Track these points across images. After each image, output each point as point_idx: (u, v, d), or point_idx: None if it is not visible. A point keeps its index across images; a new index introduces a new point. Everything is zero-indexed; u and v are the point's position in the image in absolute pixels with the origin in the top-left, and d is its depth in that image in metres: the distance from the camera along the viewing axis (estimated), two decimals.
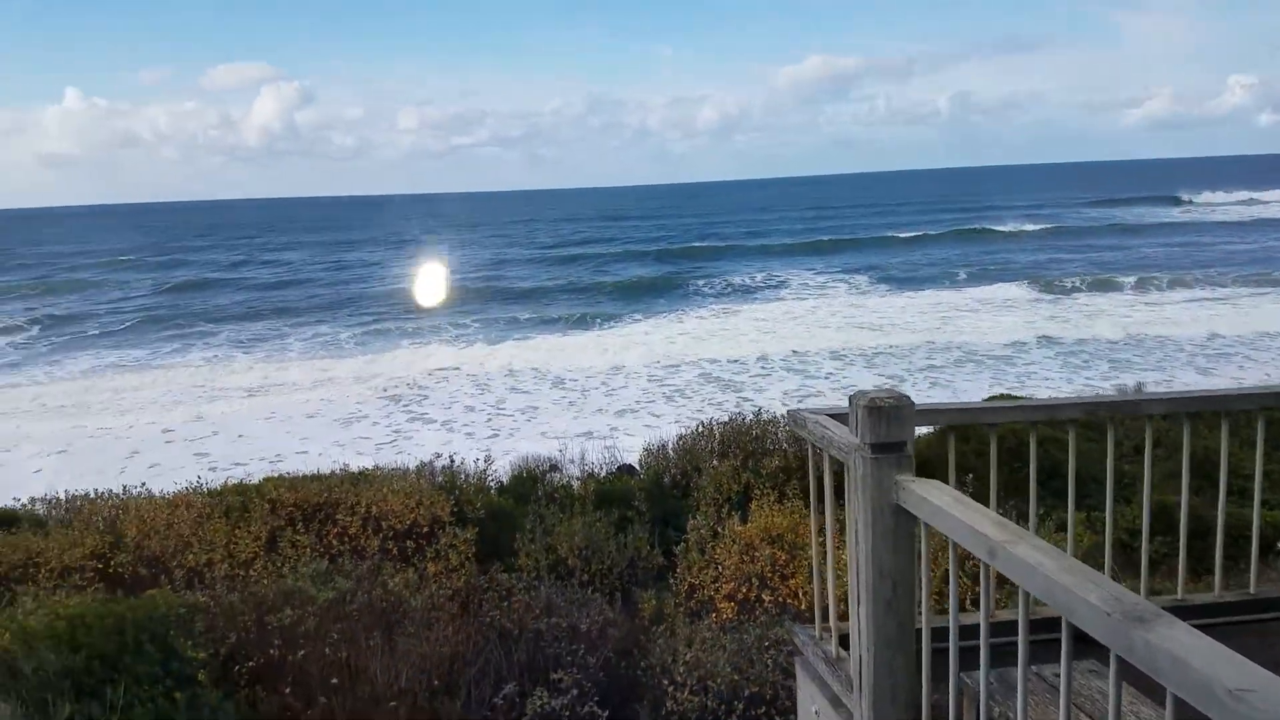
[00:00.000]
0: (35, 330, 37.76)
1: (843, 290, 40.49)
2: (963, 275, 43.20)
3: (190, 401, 24.14)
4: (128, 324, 38.94)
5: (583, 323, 35.74)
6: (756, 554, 6.89)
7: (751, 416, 9.65)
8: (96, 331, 37.30)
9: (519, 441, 18.95)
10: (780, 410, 10.19)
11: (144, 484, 9.40)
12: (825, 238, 65.24)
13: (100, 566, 7.49)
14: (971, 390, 21.02)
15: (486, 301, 42.21)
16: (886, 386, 3.13)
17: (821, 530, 3.42)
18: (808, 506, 7.55)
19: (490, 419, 21.46)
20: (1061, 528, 7.14)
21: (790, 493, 8.06)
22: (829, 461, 3.17)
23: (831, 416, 3.20)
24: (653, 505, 8.57)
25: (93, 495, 9.20)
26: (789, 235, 70.73)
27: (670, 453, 9.75)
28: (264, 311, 41.93)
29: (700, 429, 9.75)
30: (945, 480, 2.84)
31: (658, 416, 20.65)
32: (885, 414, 2.71)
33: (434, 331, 34.57)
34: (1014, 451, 5.51)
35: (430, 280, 51.27)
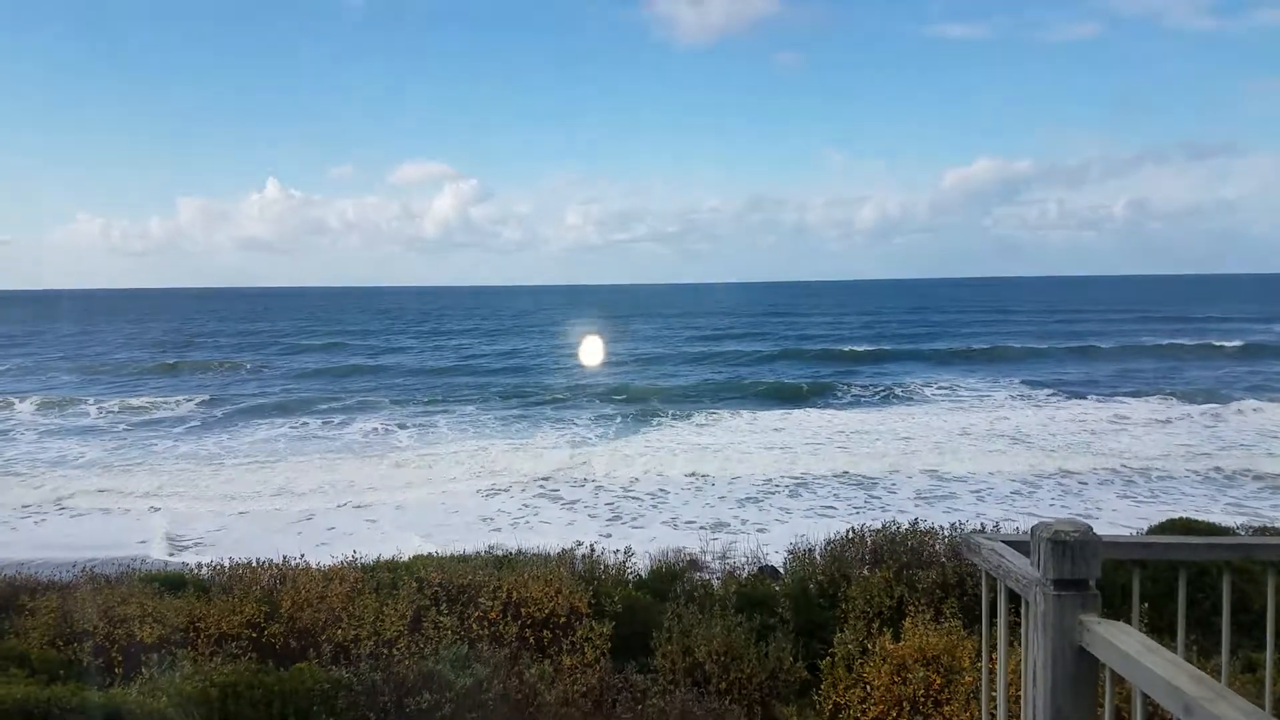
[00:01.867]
0: (205, 402, 40.87)
1: (1009, 399, 38.55)
2: (1134, 387, 40.52)
3: (347, 474, 25.28)
4: (294, 396, 41.98)
5: (729, 409, 35.76)
6: (909, 675, 6.44)
7: (907, 526, 9.18)
8: (268, 403, 40.12)
9: (646, 526, 19.39)
10: (903, 519, 9.71)
11: (302, 555, 9.78)
12: (985, 345, 62.68)
13: (255, 635, 7.77)
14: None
15: (631, 389, 42.80)
16: (1068, 517, 2.87)
17: (993, 666, 3.15)
18: (967, 627, 7.08)
19: (613, 503, 21.62)
20: (1247, 668, 6.38)
21: (948, 611, 7.56)
22: (1004, 592, 2.93)
23: (1008, 544, 2.98)
24: (797, 613, 8.19)
25: (254, 563, 9.63)
26: (952, 339, 68.68)
27: (817, 558, 9.37)
28: (424, 389, 44.07)
29: (850, 535, 9.33)
30: (1125, 619, 2.58)
31: (787, 511, 20.45)
32: (1070, 548, 2.48)
33: (578, 415, 35.28)
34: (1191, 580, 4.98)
35: (581, 369, 52.66)
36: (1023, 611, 2.69)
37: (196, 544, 18.56)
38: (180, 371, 54.59)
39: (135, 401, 39.96)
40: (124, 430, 33.49)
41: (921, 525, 9.21)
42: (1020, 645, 2.76)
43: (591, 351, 63.17)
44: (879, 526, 9.33)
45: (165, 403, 39.87)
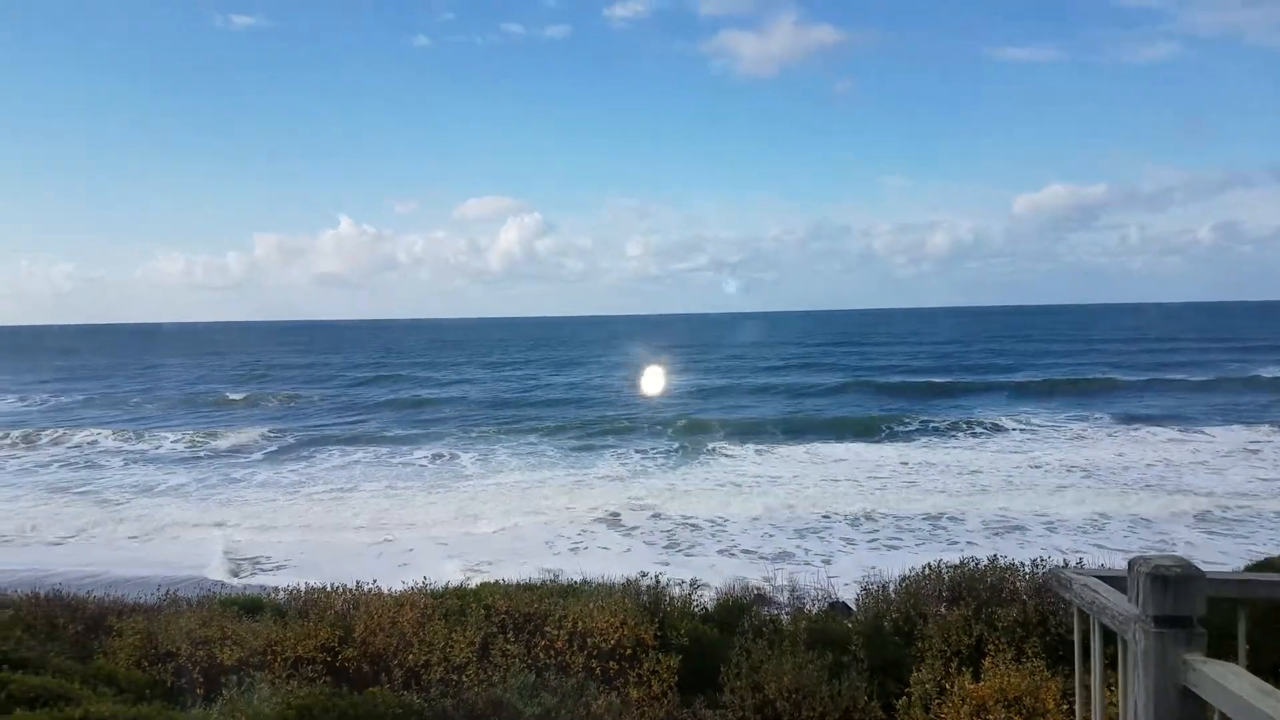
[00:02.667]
0: (278, 431, 41.87)
1: (1087, 431, 37.31)
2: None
3: (414, 502, 25.66)
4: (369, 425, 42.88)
5: (793, 442, 35.43)
6: (990, 717, 6.24)
7: (986, 562, 8.92)
8: (340, 433, 41.02)
9: (704, 555, 19.57)
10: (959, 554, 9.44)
11: (374, 580, 9.92)
12: (1064, 375, 60.45)
13: (329, 659, 7.89)
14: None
15: (692, 420, 42.68)
16: (1168, 553, 2.76)
17: (1088, 704, 3.04)
18: (1051, 667, 6.85)
19: (672, 530, 21.72)
20: None
21: (1030, 650, 7.31)
22: (1098, 630, 2.83)
23: (1102, 579, 2.88)
24: (871, 651, 8.00)
25: (328, 588, 9.79)
26: (1030, 369, 66.36)
27: (892, 594, 9.16)
28: (489, 419, 44.60)
29: (927, 571, 9.10)
30: (1229, 658, 2.46)
31: (850, 543, 20.31)
32: (1172, 583, 2.38)
33: (638, 445, 35.32)
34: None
35: (642, 399, 52.79)
36: (1119, 650, 2.59)
37: (276, 567, 19.03)
38: (257, 402, 56.05)
39: (213, 434, 41.08)
40: (202, 459, 34.50)
41: (1001, 561, 8.95)
42: (1113, 685, 2.66)
43: (653, 382, 63.28)
44: (957, 562, 9.09)
45: (242, 433, 40.96)
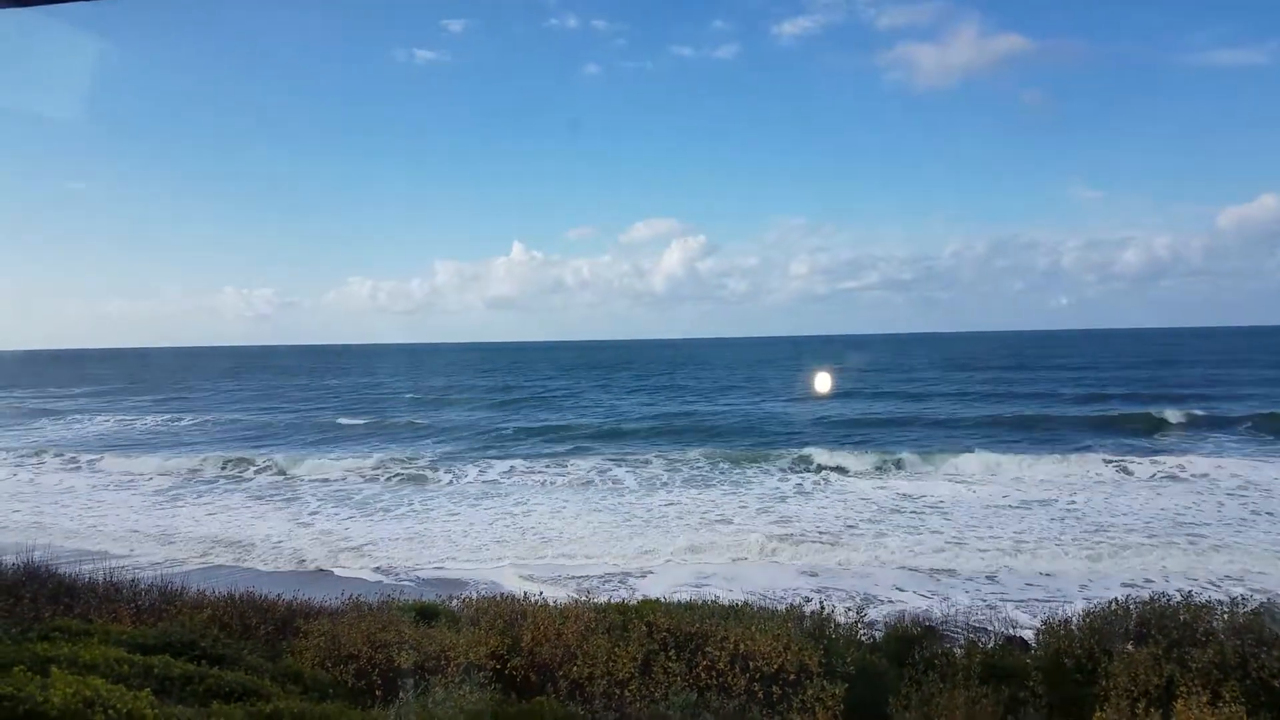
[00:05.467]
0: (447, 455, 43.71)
1: None
2: None
3: (584, 520, 26.28)
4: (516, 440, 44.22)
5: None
6: None
7: (1179, 598, 8.25)
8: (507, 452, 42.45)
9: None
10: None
11: (540, 592, 10.21)
12: None
13: (498, 667, 8.17)
14: None
15: (862, 438, 41.70)
16: None
17: None
18: (1252, 715, 6.25)
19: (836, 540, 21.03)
20: None
21: (1228, 695, 6.70)
22: None
23: None
24: (1050, 688, 7.55)
25: (497, 598, 10.15)
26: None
27: (1074, 630, 8.60)
28: (650, 440, 45.01)
29: (1113, 607, 8.51)
30: None
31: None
32: None
33: (793, 466, 34.68)
34: None
35: (811, 421, 52.06)
36: None
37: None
38: (441, 425, 58.73)
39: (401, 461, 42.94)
40: (395, 483, 36.04)
41: (1196, 598, 8.25)
42: None
43: (821, 399, 62.23)
44: (1146, 598, 8.45)
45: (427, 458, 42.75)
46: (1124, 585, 17.88)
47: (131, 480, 36.39)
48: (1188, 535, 22.60)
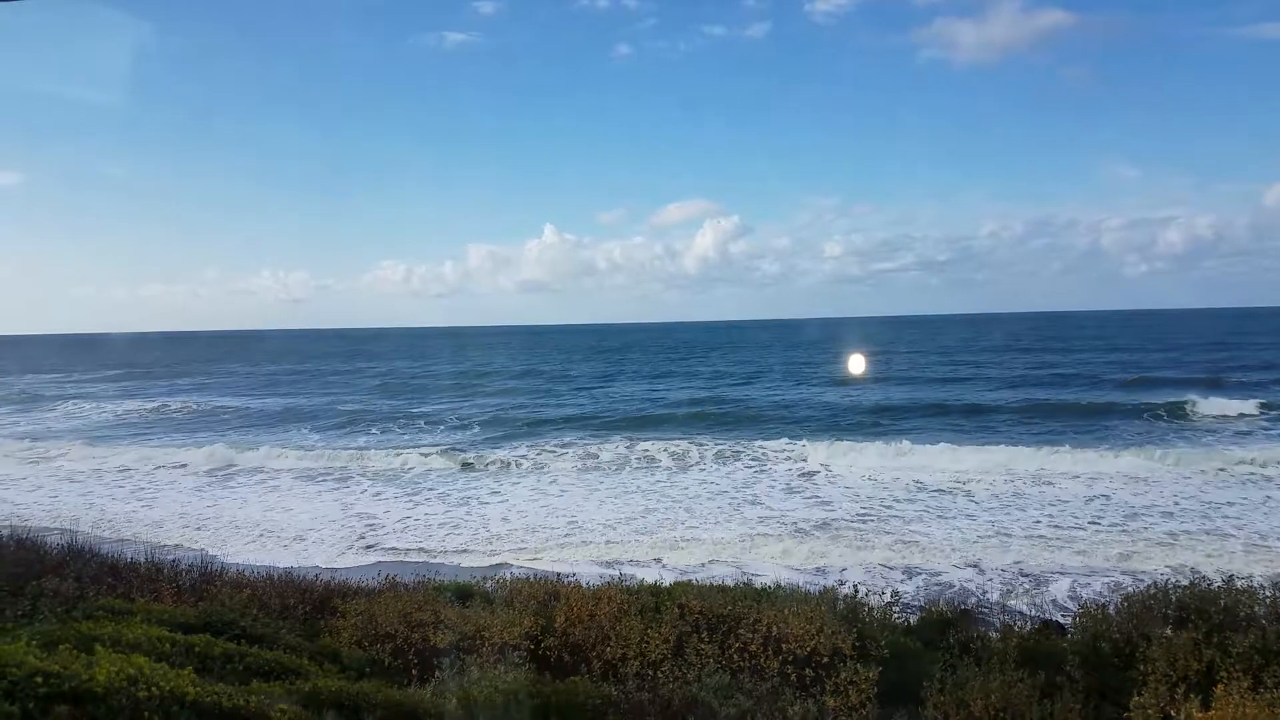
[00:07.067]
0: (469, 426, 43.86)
1: None
2: None
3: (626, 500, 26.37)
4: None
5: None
6: None
7: (1220, 582, 8.12)
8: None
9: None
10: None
11: (574, 574, 10.28)
12: None
13: (532, 647, 8.24)
14: None
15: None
16: None
17: None
18: None
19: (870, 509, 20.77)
20: None
21: (1269, 680, 6.59)
22: None
23: None
24: (1087, 672, 7.47)
25: (530, 579, 10.23)
26: None
27: (1112, 614, 8.50)
28: (684, 422, 45.06)
29: (1152, 590, 8.39)
30: None
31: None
32: None
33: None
34: None
35: (843, 404, 51.78)
36: None
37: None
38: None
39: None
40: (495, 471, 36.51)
41: (1238, 582, 8.12)
42: None
43: (854, 384, 61.68)
44: (1186, 583, 8.32)
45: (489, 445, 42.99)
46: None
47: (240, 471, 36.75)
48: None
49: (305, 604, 10.33)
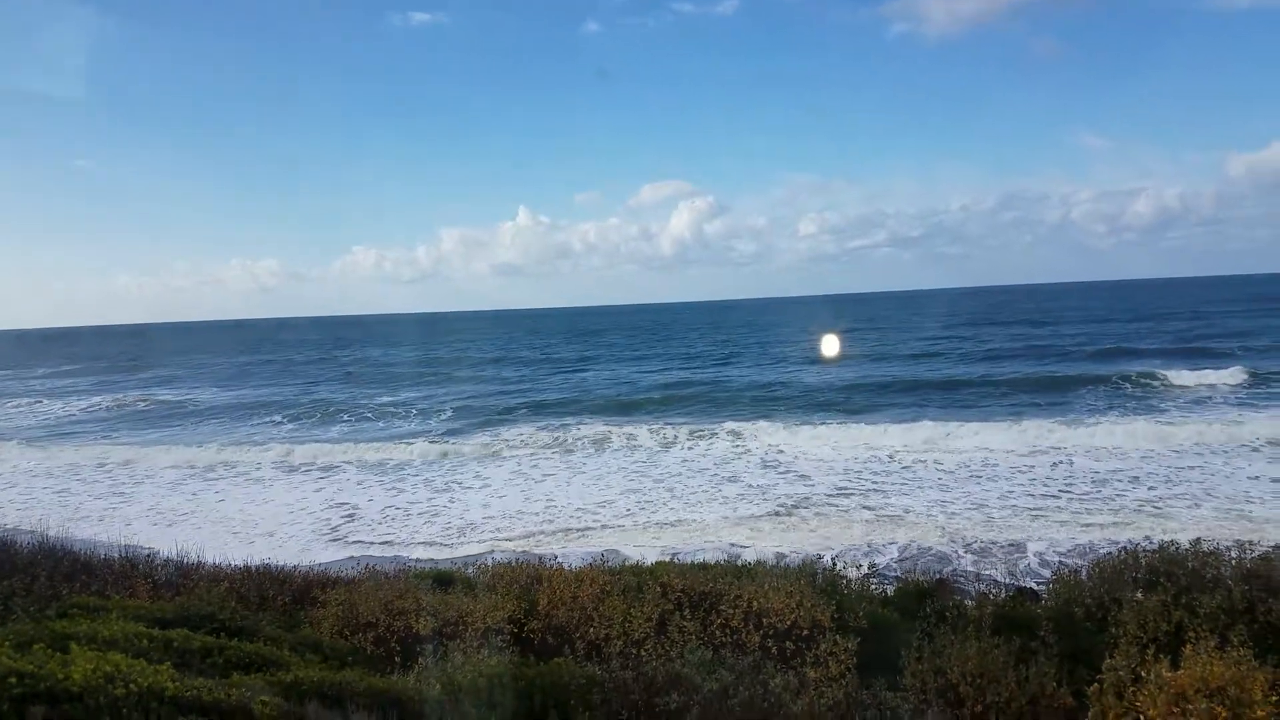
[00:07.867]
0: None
1: None
2: None
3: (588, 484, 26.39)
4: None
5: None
6: (1189, 707, 5.79)
7: (1188, 545, 8.28)
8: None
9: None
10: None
11: (556, 556, 10.31)
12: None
13: (516, 630, 8.26)
14: None
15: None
16: None
17: None
18: (1259, 657, 6.29)
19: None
20: None
21: (1235, 639, 6.74)
22: None
23: None
24: (1061, 637, 7.60)
25: (512, 563, 10.25)
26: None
27: (1084, 579, 8.65)
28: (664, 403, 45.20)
29: (1123, 555, 8.54)
30: None
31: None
32: None
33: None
34: None
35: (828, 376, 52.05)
36: None
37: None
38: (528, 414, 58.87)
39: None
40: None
41: (1205, 545, 8.28)
42: None
43: (831, 358, 61.88)
44: (1155, 546, 8.48)
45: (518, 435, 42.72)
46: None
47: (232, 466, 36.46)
48: None
49: (285, 595, 10.28)
